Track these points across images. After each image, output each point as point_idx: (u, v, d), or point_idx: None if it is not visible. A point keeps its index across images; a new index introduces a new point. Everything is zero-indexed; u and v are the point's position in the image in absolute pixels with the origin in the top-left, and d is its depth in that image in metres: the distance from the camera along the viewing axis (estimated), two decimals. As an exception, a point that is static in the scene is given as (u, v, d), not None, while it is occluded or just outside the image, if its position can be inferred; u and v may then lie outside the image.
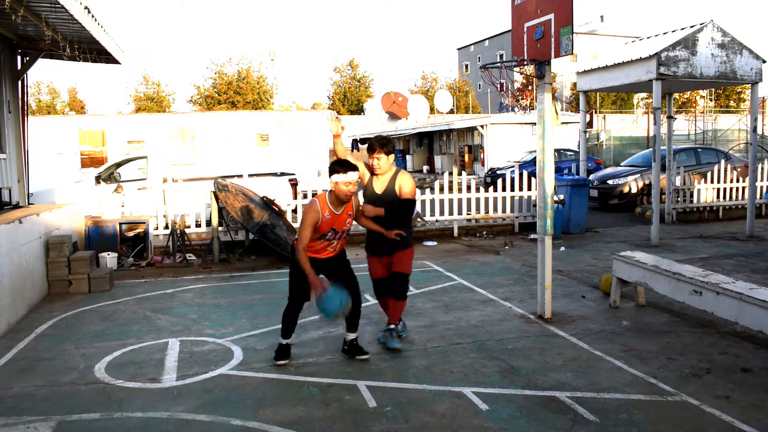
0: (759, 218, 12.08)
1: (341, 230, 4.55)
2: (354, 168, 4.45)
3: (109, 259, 7.91)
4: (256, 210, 9.01)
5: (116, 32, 12.81)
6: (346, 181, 4.38)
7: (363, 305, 6.15)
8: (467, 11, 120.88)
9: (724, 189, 12.80)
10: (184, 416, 3.72)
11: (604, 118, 28.70)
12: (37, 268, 6.62)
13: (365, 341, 5.07)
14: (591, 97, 33.51)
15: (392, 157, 4.92)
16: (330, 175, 4.44)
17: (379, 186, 4.92)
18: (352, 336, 4.76)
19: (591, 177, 14.13)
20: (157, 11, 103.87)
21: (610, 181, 14.48)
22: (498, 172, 19.82)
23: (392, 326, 4.98)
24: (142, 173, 11.64)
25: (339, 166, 4.43)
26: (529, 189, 11.17)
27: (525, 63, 5.45)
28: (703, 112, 30.77)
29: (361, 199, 4.97)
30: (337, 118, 5.11)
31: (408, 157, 34.01)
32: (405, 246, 4.92)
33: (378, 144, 4.85)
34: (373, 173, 4.95)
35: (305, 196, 10.54)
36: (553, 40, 5.08)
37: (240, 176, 10.51)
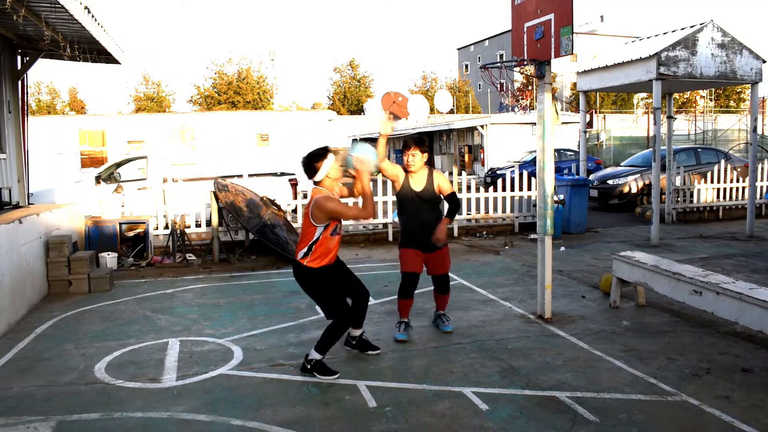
0: (759, 218, 12.08)
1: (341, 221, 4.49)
2: (327, 149, 4.38)
3: (109, 259, 7.91)
4: (255, 210, 9.01)
5: (116, 32, 12.82)
6: (335, 159, 4.29)
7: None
8: (467, 11, 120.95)
9: (724, 189, 12.80)
10: (184, 416, 3.72)
11: (604, 118, 28.72)
12: (37, 268, 6.62)
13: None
14: (591, 97, 33.51)
15: (426, 155, 5.02)
16: (315, 171, 4.26)
17: (416, 184, 5.00)
18: (358, 332, 4.74)
19: (591, 177, 14.13)
20: (157, 11, 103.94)
21: (610, 181, 14.48)
22: (498, 172, 19.82)
23: (442, 312, 5.40)
24: (142, 173, 11.65)
25: (316, 156, 4.28)
26: (529, 189, 11.17)
27: (525, 63, 5.45)
28: (703, 112, 30.78)
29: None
30: (391, 116, 4.92)
31: (408, 157, 33.96)
32: (444, 244, 5.10)
33: (413, 141, 4.99)
34: (406, 171, 5.02)
35: (305, 196, 10.54)
36: (553, 40, 5.08)
37: (240, 176, 10.51)
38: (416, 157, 4.96)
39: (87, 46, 8.05)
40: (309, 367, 4.34)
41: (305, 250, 4.30)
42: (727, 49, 9.88)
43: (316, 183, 4.35)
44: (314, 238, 4.26)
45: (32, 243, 6.47)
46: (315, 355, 4.32)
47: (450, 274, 7.58)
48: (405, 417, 3.65)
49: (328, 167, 4.28)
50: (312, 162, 4.29)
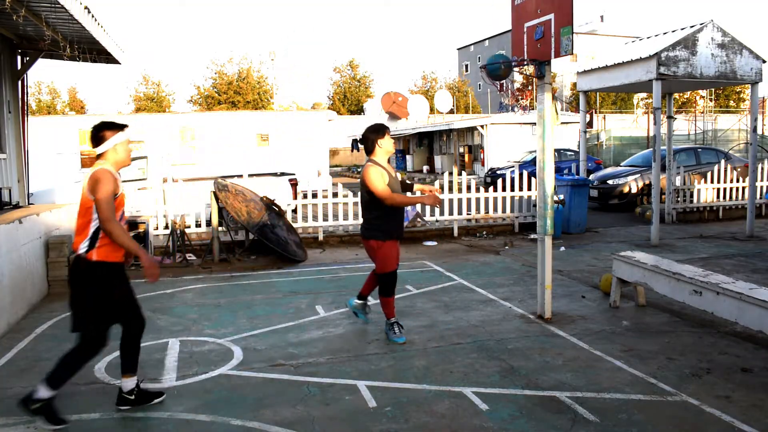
0: (759, 218, 12.08)
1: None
2: (125, 124, 3.72)
3: (109, 259, 7.90)
4: (256, 210, 9.01)
5: (116, 32, 12.82)
6: (124, 139, 3.64)
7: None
8: (467, 11, 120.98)
9: (724, 189, 12.80)
10: (184, 416, 3.72)
11: (604, 118, 28.71)
12: (37, 268, 6.62)
13: (365, 341, 5.07)
14: (591, 97, 33.50)
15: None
16: (101, 141, 3.57)
17: (392, 171, 5.08)
18: (132, 382, 3.75)
19: (591, 177, 14.13)
20: (157, 11, 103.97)
21: (610, 181, 14.48)
22: (498, 172, 19.82)
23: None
24: (142, 173, 11.64)
25: (110, 125, 3.63)
26: (529, 189, 11.17)
27: (525, 63, 5.45)
28: (703, 112, 30.78)
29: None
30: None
31: (408, 157, 34.02)
32: None
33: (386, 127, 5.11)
34: (376, 163, 4.97)
35: (305, 196, 10.54)
36: (553, 40, 5.08)
37: (240, 176, 10.51)
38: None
39: (87, 46, 8.05)
40: (33, 407, 3.46)
41: (87, 240, 3.51)
42: (727, 49, 9.88)
43: (98, 156, 3.61)
44: (97, 225, 3.50)
45: (32, 243, 6.47)
46: (43, 393, 3.46)
47: (450, 274, 7.67)
48: (405, 417, 3.65)
49: (117, 140, 3.60)
50: (102, 130, 3.60)
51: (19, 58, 9.02)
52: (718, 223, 12.23)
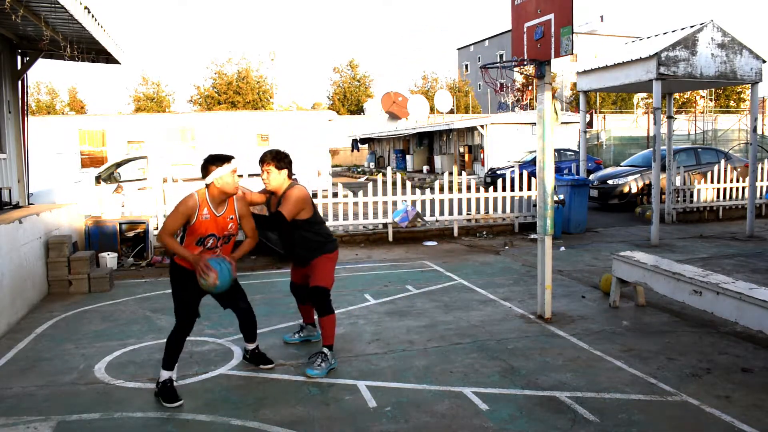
0: (759, 218, 12.08)
1: (222, 236, 4.00)
2: (230, 157, 3.94)
3: (109, 259, 7.91)
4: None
5: (116, 32, 12.81)
6: (231, 170, 3.89)
7: (363, 305, 6.18)
8: (467, 11, 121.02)
9: (724, 189, 12.80)
10: (184, 416, 3.72)
11: (604, 118, 28.73)
12: (37, 268, 6.61)
13: (365, 342, 5.08)
14: (591, 97, 33.51)
15: (285, 172, 4.49)
16: (206, 174, 3.87)
17: (275, 205, 4.59)
18: (252, 345, 4.55)
19: (591, 177, 14.13)
20: (157, 11, 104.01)
21: (610, 181, 14.48)
22: (498, 172, 19.81)
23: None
24: (142, 173, 11.64)
25: (213, 160, 3.88)
26: (529, 189, 11.17)
27: (525, 63, 5.45)
28: (703, 112, 30.79)
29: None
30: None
31: (408, 157, 34.02)
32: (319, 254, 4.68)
33: (270, 156, 4.46)
34: (272, 193, 4.57)
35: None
36: (553, 40, 5.08)
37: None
38: (271, 174, 4.47)
39: (87, 46, 8.05)
40: (156, 390, 3.95)
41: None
42: (727, 49, 9.88)
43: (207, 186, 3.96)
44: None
45: (32, 243, 6.47)
46: (162, 372, 3.94)
47: (450, 274, 7.68)
48: (405, 417, 3.65)
49: (221, 173, 3.89)
50: (209, 163, 3.93)
51: (19, 58, 9.02)
52: (718, 223, 12.23)
